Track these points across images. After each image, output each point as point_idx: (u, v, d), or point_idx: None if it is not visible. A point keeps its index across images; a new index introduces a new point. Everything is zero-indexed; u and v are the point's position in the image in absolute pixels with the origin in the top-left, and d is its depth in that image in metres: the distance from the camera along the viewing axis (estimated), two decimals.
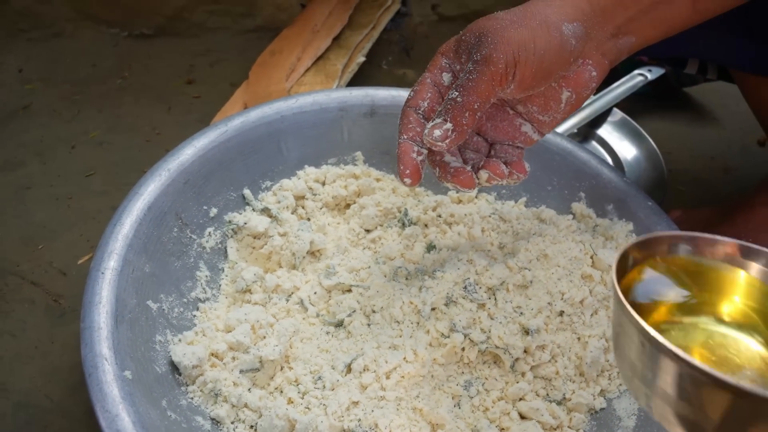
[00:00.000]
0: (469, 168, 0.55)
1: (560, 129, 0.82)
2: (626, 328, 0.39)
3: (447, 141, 0.51)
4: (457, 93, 0.52)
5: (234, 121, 0.70)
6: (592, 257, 0.66)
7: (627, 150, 0.97)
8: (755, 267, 0.44)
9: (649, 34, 0.59)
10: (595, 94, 0.95)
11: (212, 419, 0.55)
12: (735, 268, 0.45)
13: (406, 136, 0.55)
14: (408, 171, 0.54)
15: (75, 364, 0.69)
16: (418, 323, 0.60)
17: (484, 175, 0.56)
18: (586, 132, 0.98)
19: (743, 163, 1.01)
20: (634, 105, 1.01)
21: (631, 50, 0.60)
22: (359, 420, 0.54)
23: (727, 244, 0.45)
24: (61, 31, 1.11)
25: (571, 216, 0.71)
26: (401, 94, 0.76)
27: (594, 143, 0.99)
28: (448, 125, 0.51)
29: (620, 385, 0.61)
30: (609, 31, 0.58)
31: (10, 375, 0.68)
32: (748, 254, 0.45)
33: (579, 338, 0.62)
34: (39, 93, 1.02)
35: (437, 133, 0.51)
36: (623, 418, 0.59)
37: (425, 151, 0.55)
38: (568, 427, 0.59)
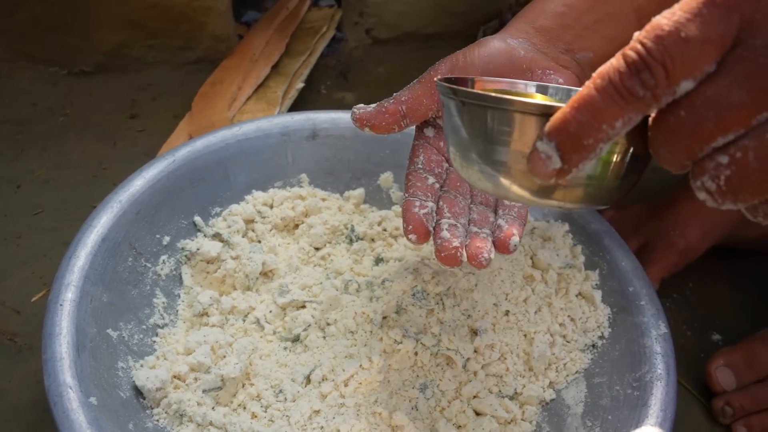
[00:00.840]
0: (456, 242, 0.53)
1: None
2: (447, 109, 0.44)
3: (362, 111, 0.54)
4: (396, 92, 0.55)
5: (181, 151, 0.72)
6: (531, 258, 0.70)
7: None
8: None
9: (605, 49, 0.61)
10: None
11: None
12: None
13: (407, 194, 0.56)
14: (411, 226, 0.53)
15: (35, 402, 0.69)
16: (371, 332, 0.63)
17: (465, 254, 0.54)
18: None
19: None
20: None
21: (594, 65, 0.60)
22: (321, 427, 0.56)
23: (529, 84, 0.53)
24: None
25: None
26: (341, 116, 0.79)
27: None
28: (372, 104, 0.54)
29: (567, 375, 0.65)
30: (560, 47, 0.60)
31: None
32: (544, 90, 0.52)
33: (525, 335, 0.65)
34: None
35: (360, 105, 0.55)
36: (572, 406, 0.63)
37: (430, 204, 0.55)
38: (522, 419, 0.62)
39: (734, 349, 0.73)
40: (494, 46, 0.58)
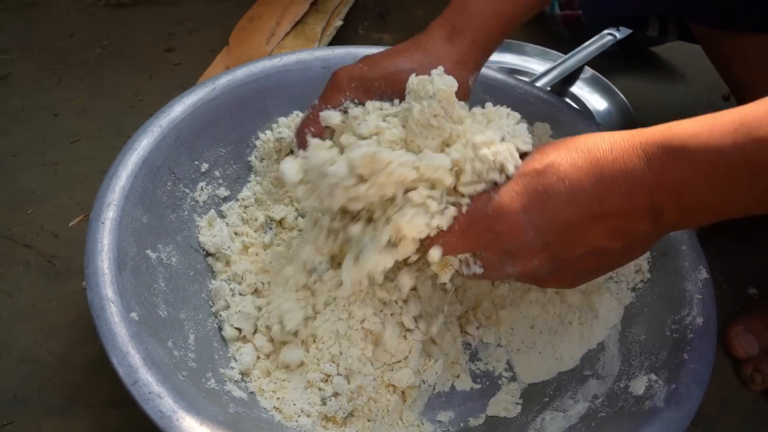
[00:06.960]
0: None
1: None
2: None
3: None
4: None
5: (221, 80, 0.72)
6: None
7: (599, 103, 1.00)
8: None
9: None
10: (566, 53, 0.98)
11: None
12: None
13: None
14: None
15: (73, 321, 0.71)
16: None
17: None
18: (560, 89, 1.01)
19: None
20: (604, 64, 1.04)
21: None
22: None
23: None
24: (36, 0, 1.10)
25: None
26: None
27: (567, 100, 1.01)
28: None
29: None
30: None
31: (9, 333, 0.69)
32: None
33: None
34: (16, 63, 1.02)
35: None
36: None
37: None
38: None
39: (752, 316, 0.72)
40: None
